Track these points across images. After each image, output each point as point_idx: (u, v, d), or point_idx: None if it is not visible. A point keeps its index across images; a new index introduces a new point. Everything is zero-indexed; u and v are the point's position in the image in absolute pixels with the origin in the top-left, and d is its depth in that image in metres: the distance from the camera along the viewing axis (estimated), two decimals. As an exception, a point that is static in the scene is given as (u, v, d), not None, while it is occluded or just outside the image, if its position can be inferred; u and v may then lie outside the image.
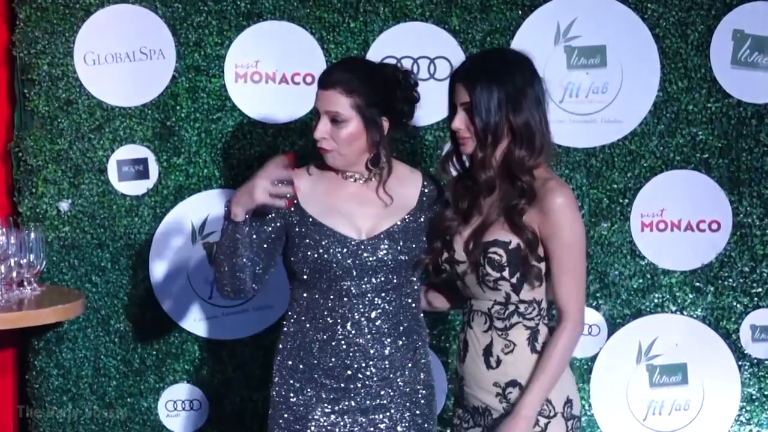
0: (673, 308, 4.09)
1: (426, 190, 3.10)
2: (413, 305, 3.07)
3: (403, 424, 3.03)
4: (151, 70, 4.06)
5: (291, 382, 3.03)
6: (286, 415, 3.03)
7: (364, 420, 3.00)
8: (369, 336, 2.98)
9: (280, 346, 3.08)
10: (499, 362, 2.91)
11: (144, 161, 4.08)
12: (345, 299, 2.98)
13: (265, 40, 4.06)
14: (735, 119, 4.05)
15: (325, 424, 3.00)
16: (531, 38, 3.91)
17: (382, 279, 2.99)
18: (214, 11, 4.05)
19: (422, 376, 3.08)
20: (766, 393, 4.10)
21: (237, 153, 4.06)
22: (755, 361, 4.10)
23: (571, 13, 4.03)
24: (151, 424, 4.13)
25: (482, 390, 2.93)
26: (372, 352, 2.99)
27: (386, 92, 2.98)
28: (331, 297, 2.99)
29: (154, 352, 4.12)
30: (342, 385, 2.99)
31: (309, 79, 4.03)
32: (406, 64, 4.02)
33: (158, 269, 4.09)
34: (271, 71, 4.06)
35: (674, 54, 4.04)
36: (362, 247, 2.97)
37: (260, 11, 4.05)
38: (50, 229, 4.04)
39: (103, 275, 4.09)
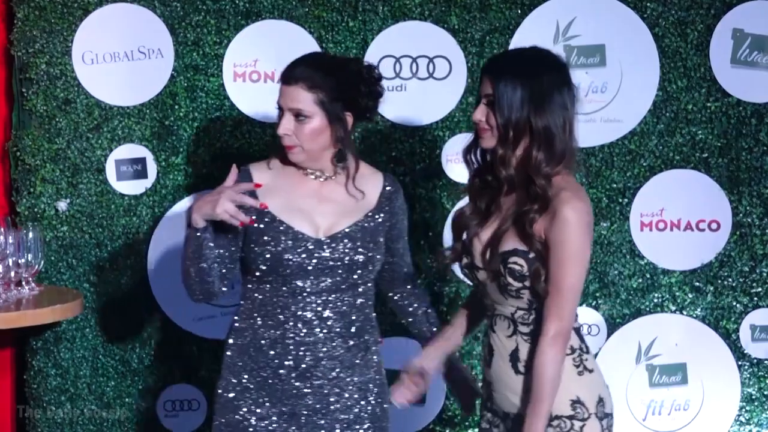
0: (673, 308, 4.08)
1: (386, 191, 3.06)
2: (366, 305, 3.03)
3: (355, 425, 2.99)
4: (149, 70, 4.05)
5: (241, 381, 2.98)
6: (227, 417, 2.98)
7: (314, 419, 2.95)
8: (321, 335, 2.94)
9: (230, 341, 3.02)
10: (527, 367, 2.84)
11: (142, 161, 4.07)
12: (298, 297, 2.93)
13: (263, 40, 4.05)
14: (734, 118, 4.05)
15: (268, 429, 2.96)
16: (530, 37, 3.89)
17: (337, 278, 2.95)
18: (212, 10, 4.04)
19: (373, 376, 3.03)
20: (765, 393, 4.09)
21: (235, 152, 4.05)
22: (755, 360, 4.09)
23: (570, 13, 4.03)
24: (149, 424, 4.12)
25: (515, 394, 2.86)
26: (323, 351, 2.95)
27: (350, 87, 2.94)
28: (285, 294, 2.94)
29: (153, 352, 4.11)
30: (292, 383, 2.95)
31: (308, 79, 4.02)
32: (405, 63, 4.02)
33: (157, 269, 4.08)
34: (270, 70, 4.05)
35: (674, 53, 4.03)
36: (319, 245, 2.94)
37: (259, 10, 4.04)
38: (48, 229, 4.03)
39: (102, 275, 4.09)
